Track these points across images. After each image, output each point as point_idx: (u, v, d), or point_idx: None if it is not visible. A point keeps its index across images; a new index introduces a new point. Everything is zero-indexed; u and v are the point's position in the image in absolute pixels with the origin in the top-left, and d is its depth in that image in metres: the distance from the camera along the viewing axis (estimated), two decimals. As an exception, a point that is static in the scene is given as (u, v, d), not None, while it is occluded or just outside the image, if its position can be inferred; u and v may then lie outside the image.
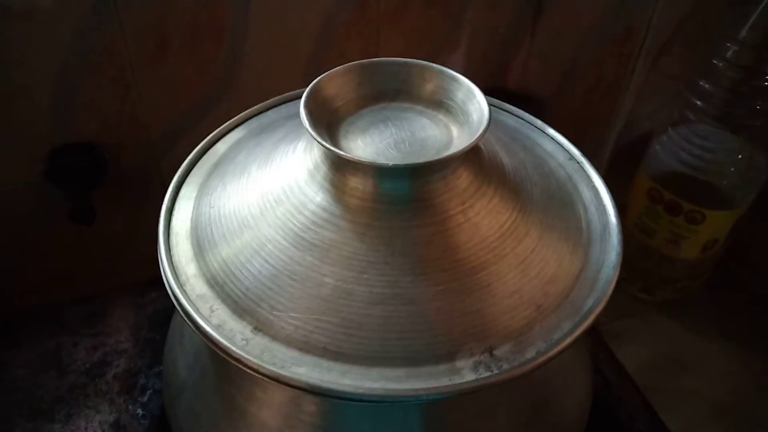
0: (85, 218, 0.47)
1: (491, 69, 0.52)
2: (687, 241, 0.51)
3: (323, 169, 0.27)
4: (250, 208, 0.28)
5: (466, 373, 0.23)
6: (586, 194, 0.30)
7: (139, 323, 0.46)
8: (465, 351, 0.24)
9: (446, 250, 0.25)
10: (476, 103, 0.27)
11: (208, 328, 0.24)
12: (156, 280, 0.27)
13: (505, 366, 0.23)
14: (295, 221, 0.26)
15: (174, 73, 0.44)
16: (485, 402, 0.27)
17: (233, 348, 0.24)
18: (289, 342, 0.24)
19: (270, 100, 0.34)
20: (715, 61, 0.47)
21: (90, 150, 0.45)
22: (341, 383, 0.23)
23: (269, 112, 0.34)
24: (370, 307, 0.24)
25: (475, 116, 0.26)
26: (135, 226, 0.49)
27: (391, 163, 0.25)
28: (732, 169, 0.49)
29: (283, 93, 0.35)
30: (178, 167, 0.31)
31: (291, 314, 0.24)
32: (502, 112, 0.34)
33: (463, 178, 0.26)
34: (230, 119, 0.34)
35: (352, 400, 0.23)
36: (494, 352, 0.24)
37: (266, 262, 0.26)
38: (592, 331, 0.45)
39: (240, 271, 0.26)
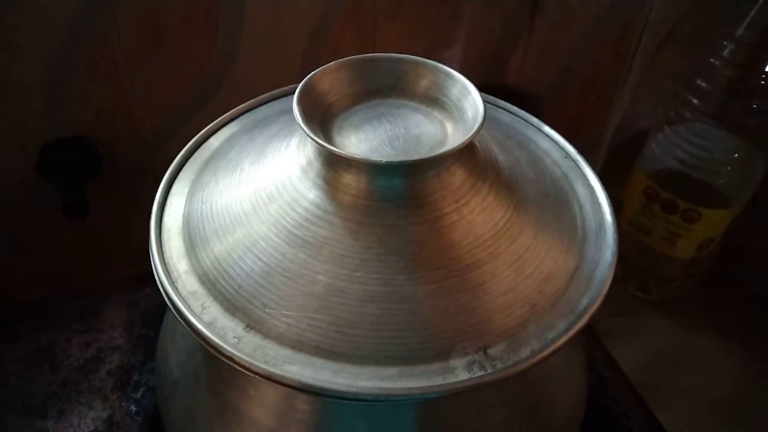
0: (78, 213, 0.46)
1: (488, 66, 0.52)
2: (683, 240, 0.51)
3: (316, 165, 0.26)
4: (242, 204, 0.27)
5: (460, 372, 0.23)
6: (582, 192, 0.30)
7: (133, 319, 0.46)
8: (459, 350, 0.24)
9: (440, 248, 0.25)
10: (471, 99, 0.26)
11: (199, 326, 0.24)
12: (149, 276, 0.26)
13: (500, 365, 0.23)
14: (287, 218, 0.26)
15: (168, 67, 0.43)
16: (479, 401, 0.26)
17: (225, 346, 0.23)
18: (281, 340, 0.24)
19: (263, 96, 0.34)
20: (711, 60, 0.47)
21: (83, 144, 0.45)
22: (334, 382, 0.23)
23: (262, 108, 0.34)
24: (364, 306, 0.24)
25: (470, 113, 0.26)
26: (128, 221, 0.48)
27: (384, 160, 0.24)
28: (728, 167, 0.49)
29: (278, 88, 0.35)
30: (172, 162, 0.31)
31: (283, 312, 0.24)
32: (498, 109, 0.34)
33: (457, 176, 0.26)
34: (224, 114, 0.34)
35: (345, 398, 0.22)
36: (488, 351, 0.24)
37: (258, 259, 0.25)
38: (588, 329, 0.45)
39: (232, 268, 0.26)
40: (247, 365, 0.23)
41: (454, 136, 0.26)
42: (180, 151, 0.32)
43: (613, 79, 0.54)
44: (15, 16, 0.38)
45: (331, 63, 0.28)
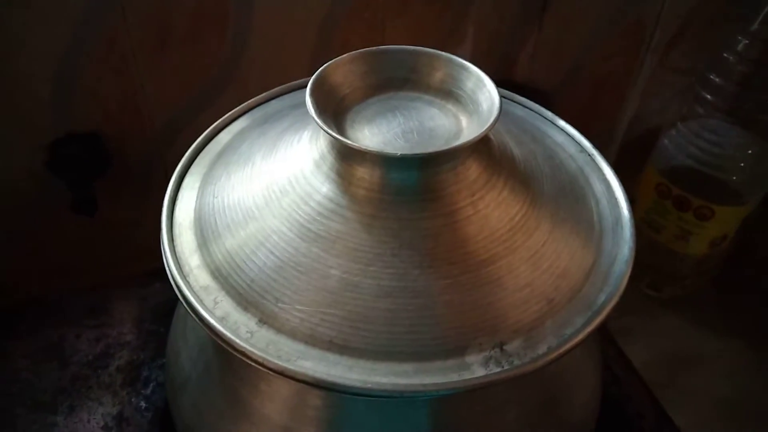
0: (87, 209, 0.46)
1: (498, 62, 0.52)
2: (695, 237, 0.51)
3: (329, 159, 0.26)
4: (254, 198, 0.27)
5: (476, 369, 0.23)
6: (598, 187, 0.29)
7: (143, 315, 0.45)
8: (475, 346, 0.23)
9: (455, 243, 0.25)
10: (486, 92, 0.26)
11: (211, 320, 0.24)
12: (159, 272, 0.26)
13: (516, 361, 0.23)
14: (300, 212, 0.26)
15: (177, 62, 0.43)
16: (495, 398, 0.26)
17: (238, 341, 0.23)
18: (294, 335, 0.24)
19: (274, 90, 0.34)
20: (725, 55, 0.46)
21: (92, 140, 0.45)
22: (348, 377, 0.22)
23: (273, 102, 0.34)
24: (378, 300, 0.24)
25: (485, 106, 0.26)
26: (138, 217, 0.48)
27: (399, 152, 0.24)
28: (742, 164, 0.48)
29: (286, 83, 0.35)
30: (182, 158, 0.31)
31: (297, 307, 0.24)
32: (512, 103, 0.34)
33: (472, 169, 0.26)
34: (234, 109, 0.33)
35: (359, 394, 0.22)
36: (505, 347, 0.23)
37: (271, 253, 0.25)
38: (601, 327, 0.45)
39: (244, 262, 0.26)
40: (260, 360, 0.23)
41: (469, 129, 0.26)
42: (190, 146, 0.31)
43: (624, 75, 0.53)
44: (25, 12, 0.38)
45: (344, 55, 0.27)
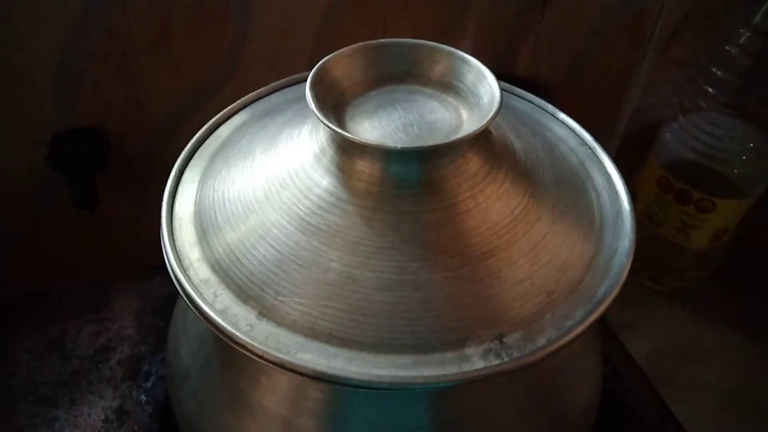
0: (89, 204, 0.46)
1: (499, 55, 0.51)
2: (696, 231, 0.50)
3: (329, 152, 0.26)
4: (254, 192, 0.27)
5: (475, 361, 0.23)
6: (599, 180, 0.29)
7: (143, 309, 0.45)
8: (474, 338, 0.23)
9: (455, 236, 0.25)
10: (487, 85, 0.26)
11: (211, 314, 0.24)
12: (160, 266, 0.26)
13: (516, 354, 0.23)
14: (300, 205, 0.26)
15: (178, 57, 0.43)
16: (494, 390, 0.26)
17: (237, 333, 0.23)
18: (294, 328, 0.24)
19: (274, 83, 0.34)
20: (727, 48, 0.46)
21: (93, 135, 0.45)
22: (348, 370, 0.22)
23: (274, 96, 0.34)
24: (377, 293, 0.24)
25: (485, 99, 0.26)
26: (139, 212, 0.48)
27: (399, 146, 0.24)
28: (743, 157, 0.48)
29: (288, 77, 0.35)
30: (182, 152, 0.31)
31: (296, 300, 0.24)
32: (512, 96, 0.34)
33: (473, 162, 0.26)
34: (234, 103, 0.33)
35: (358, 387, 0.22)
36: (504, 340, 0.23)
37: (271, 246, 0.25)
38: (602, 320, 0.45)
39: (244, 255, 0.26)
40: (260, 353, 0.23)
41: (469, 122, 0.26)
42: (190, 140, 0.31)
43: (626, 68, 0.53)
44: (26, 7, 0.38)
45: (344, 48, 0.27)
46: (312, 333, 0.23)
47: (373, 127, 0.26)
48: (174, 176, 0.29)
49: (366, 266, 0.24)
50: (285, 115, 0.31)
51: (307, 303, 0.24)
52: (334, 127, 0.24)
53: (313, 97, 0.25)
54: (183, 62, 0.43)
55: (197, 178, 0.30)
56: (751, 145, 0.48)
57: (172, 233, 0.27)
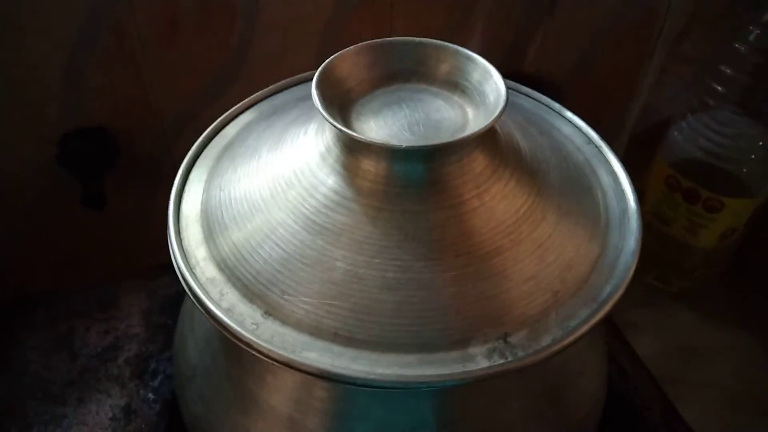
0: (97, 203, 0.46)
1: (507, 54, 0.51)
2: (705, 230, 0.50)
3: (335, 151, 0.26)
4: (260, 191, 0.27)
5: (480, 360, 0.23)
6: (605, 179, 0.29)
7: (151, 308, 0.46)
8: (479, 337, 0.23)
9: (460, 235, 0.25)
10: (493, 83, 0.26)
11: (217, 312, 0.24)
12: (168, 265, 0.26)
13: (520, 353, 0.23)
14: (306, 204, 0.26)
15: (185, 56, 0.43)
16: (499, 390, 0.26)
17: (243, 332, 0.23)
18: (299, 326, 0.24)
19: (281, 82, 0.34)
20: (736, 45, 0.46)
21: (101, 134, 0.45)
22: (352, 369, 0.22)
23: (280, 95, 0.34)
24: (382, 292, 0.24)
25: (491, 97, 0.26)
26: (146, 211, 0.49)
27: (404, 145, 0.24)
28: (752, 156, 0.48)
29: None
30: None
31: (302, 299, 0.24)
32: (518, 94, 0.34)
33: (478, 161, 0.26)
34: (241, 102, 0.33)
35: (363, 385, 0.22)
36: (509, 339, 0.23)
37: (277, 245, 0.25)
38: (608, 319, 0.44)
39: (250, 254, 0.26)
40: (265, 351, 0.23)
41: (475, 120, 0.26)
42: (197, 139, 0.32)
43: (634, 66, 0.53)
44: (33, 5, 0.38)
45: (350, 47, 0.27)
46: (317, 332, 0.24)
47: (379, 126, 0.26)
48: (181, 175, 0.30)
49: (371, 265, 0.24)
50: (291, 114, 0.31)
51: (313, 302, 0.24)
52: (339, 126, 0.24)
53: (318, 96, 0.25)
54: (190, 62, 0.44)
55: (204, 177, 0.30)
56: (760, 143, 0.47)
57: (179, 232, 0.27)
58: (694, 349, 0.51)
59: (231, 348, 0.28)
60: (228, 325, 0.24)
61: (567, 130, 0.32)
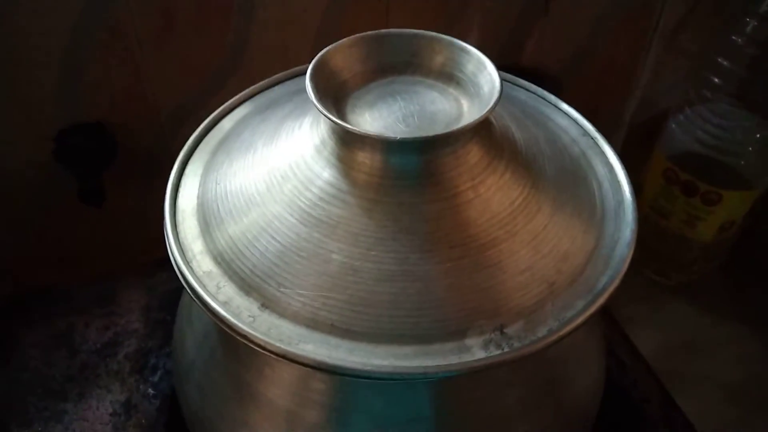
0: (95, 199, 0.47)
1: (505, 47, 0.51)
2: (703, 223, 0.50)
3: (330, 144, 0.26)
4: (256, 184, 0.27)
5: (476, 351, 0.23)
6: (600, 170, 0.29)
7: (150, 304, 0.46)
8: (475, 329, 0.23)
9: (456, 227, 0.25)
10: (487, 74, 0.26)
11: (214, 305, 0.24)
12: (166, 261, 0.26)
13: (516, 344, 0.23)
14: (302, 197, 0.26)
15: (182, 51, 0.43)
16: (496, 381, 0.26)
17: (240, 325, 0.23)
18: (296, 319, 0.24)
19: (276, 76, 0.34)
20: (733, 37, 0.46)
21: (99, 130, 0.45)
22: (349, 360, 0.22)
23: (275, 88, 0.34)
24: (378, 284, 0.24)
25: (486, 88, 0.26)
26: (145, 207, 0.48)
27: (399, 137, 0.24)
28: (750, 149, 0.48)
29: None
30: (186, 145, 0.31)
31: (298, 291, 0.24)
32: (514, 86, 0.34)
33: (473, 153, 0.26)
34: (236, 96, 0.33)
35: (359, 377, 0.22)
36: (505, 330, 0.23)
37: (273, 238, 0.25)
38: (606, 313, 0.44)
39: (247, 248, 0.26)
40: (262, 343, 0.23)
41: (470, 112, 0.26)
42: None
43: (631, 59, 0.53)
44: (29, 2, 0.38)
45: (344, 39, 0.27)
46: (314, 324, 0.24)
47: (374, 119, 0.26)
48: (177, 169, 0.30)
49: (367, 257, 0.24)
50: (286, 108, 0.31)
51: (309, 294, 0.24)
52: (334, 119, 0.24)
53: (313, 88, 0.25)
54: (187, 56, 0.44)
55: (200, 171, 0.30)
56: (758, 135, 0.47)
57: (176, 226, 0.27)
58: (692, 342, 0.51)
59: (228, 341, 0.28)
60: (225, 317, 0.24)
61: (563, 122, 0.32)
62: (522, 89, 0.34)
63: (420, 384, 0.25)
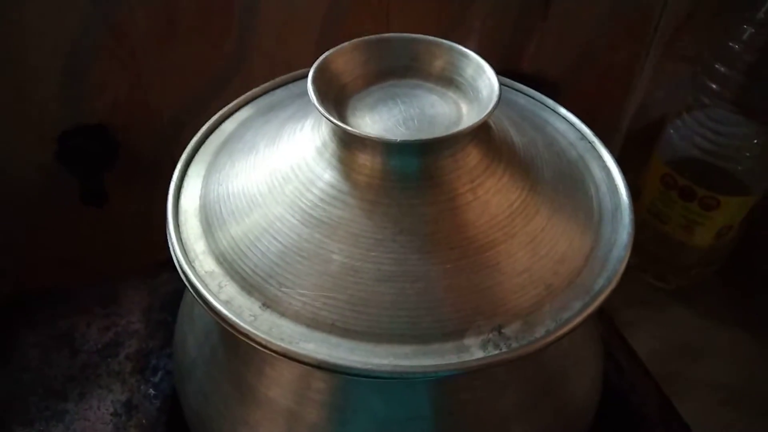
0: (97, 200, 0.47)
1: (504, 52, 0.52)
2: (701, 228, 0.50)
3: (331, 146, 0.27)
4: (258, 186, 0.27)
5: (474, 351, 0.23)
6: (598, 174, 0.30)
7: (151, 304, 0.46)
8: (474, 329, 0.24)
9: (455, 229, 0.25)
10: (486, 79, 0.26)
11: (216, 304, 0.24)
12: (168, 262, 0.27)
13: (514, 344, 0.23)
14: (303, 199, 0.26)
15: (184, 55, 0.44)
16: (494, 381, 0.27)
17: (241, 324, 0.24)
18: (297, 318, 0.24)
19: (278, 79, 0.34)
20: (731, 44, 0.46)
21: (101, 132, 0.45)
22: (349, 359, 0.23)
23: (277, 91, 0.34)
24: (378, 285, 0.24)
25: (484, 92, 0.26)
26: (146, 208, 0.49)
27: (399, 139, 0.24)
28: (747, 154, 0.48)
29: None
30: (188, 147, 0.31)
31: (299, 291, 0.24)
32: (513, 91, 0.34)
33: (472, 156, 0.26)
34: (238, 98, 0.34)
35: (359, 376, 0.23)
36: (503, 331, 0.24)
37: (274, 239, 0.26)
38: (604, 316, 0.45)
39: (248, 248, 0.26)
40: (263, 342, 0.23)
41: (469, 115, 0.26)
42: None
43: (630, 65, 0.53)
44: (33, 3, 0.38)
45: (345, 43, 0.28)
46: (314, 323, 0.24)
47: (374, 121, 0.26)
48: (179, 170, 0.30)
49: (367, 258, 0.24)
50: (288, 110, 0.31)
51: (310, 294, 0.24)
52: (335, 121, 0.25)
53: (314, 91, 0.26)
54: (189, 60, 0.44)
55: (202, 173, 0.30)
56: (755, 141, 0.48)
57: (178, 226, 0.28)
58: (691, 346, 0.52)
59: (230, 341, 0.28)
60: (226, 316, 0.24)
61: (560, 126, 0.32)
62: (521, 94, 0.34)
63: (419, 383, 0.25)
